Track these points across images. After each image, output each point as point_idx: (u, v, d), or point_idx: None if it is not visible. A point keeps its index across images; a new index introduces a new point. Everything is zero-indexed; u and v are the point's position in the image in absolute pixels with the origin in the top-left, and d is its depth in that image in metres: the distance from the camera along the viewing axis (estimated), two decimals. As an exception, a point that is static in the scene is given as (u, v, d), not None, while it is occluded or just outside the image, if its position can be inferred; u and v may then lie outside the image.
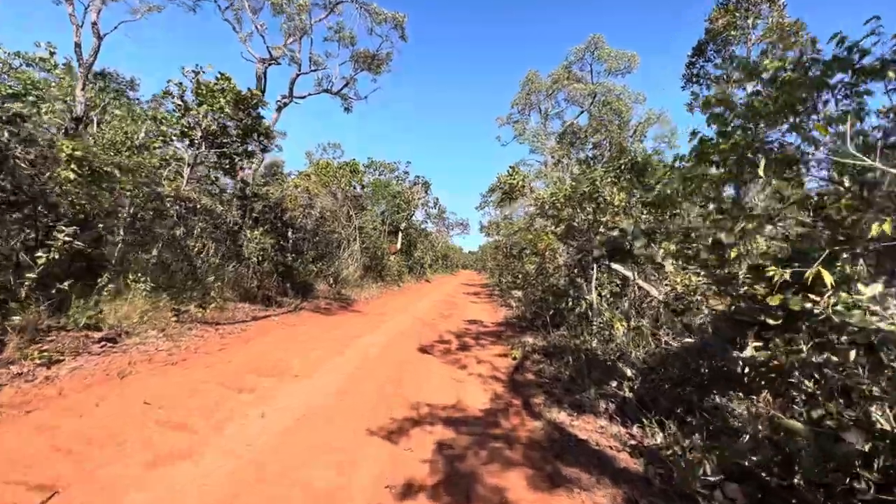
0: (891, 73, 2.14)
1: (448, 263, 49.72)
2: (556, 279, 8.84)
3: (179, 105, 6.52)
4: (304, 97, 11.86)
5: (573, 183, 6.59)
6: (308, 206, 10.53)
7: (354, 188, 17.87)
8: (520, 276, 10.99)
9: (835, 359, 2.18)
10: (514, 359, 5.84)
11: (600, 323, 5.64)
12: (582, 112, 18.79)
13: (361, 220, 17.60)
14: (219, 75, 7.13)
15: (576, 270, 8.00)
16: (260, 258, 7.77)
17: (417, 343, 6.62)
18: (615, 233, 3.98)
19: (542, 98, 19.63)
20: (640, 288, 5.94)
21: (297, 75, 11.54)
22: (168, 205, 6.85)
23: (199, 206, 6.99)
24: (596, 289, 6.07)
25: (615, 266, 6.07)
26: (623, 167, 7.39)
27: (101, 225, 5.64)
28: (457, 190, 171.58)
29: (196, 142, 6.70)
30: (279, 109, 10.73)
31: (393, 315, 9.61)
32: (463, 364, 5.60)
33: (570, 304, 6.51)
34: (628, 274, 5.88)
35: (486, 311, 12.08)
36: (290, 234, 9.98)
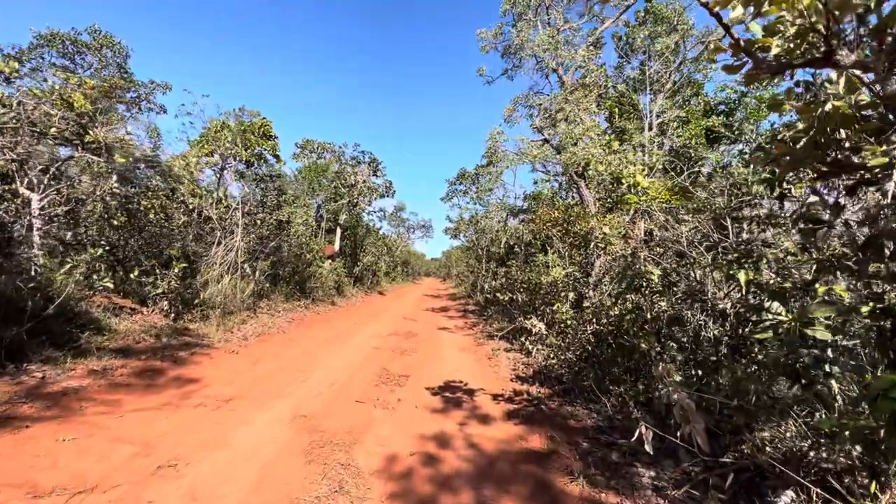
0: None
1: (409, 271, 43.93)
2: (691, 310, 3.60)
3: None
4: None
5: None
6: (81, 142, 4.76)
7: (265, 159, 11.94)
8: (554, 304, 5.57)
9: None
10: None
11: None
12: (598, 34, 11.42)
13: (286, 212, 11.71)
14: None
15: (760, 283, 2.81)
16: None
17: None
18: None
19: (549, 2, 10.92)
20: None
21: None
22: None
23: None
24: None
25: None
26: None
27: None
28: (420, 193, 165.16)
29: None
30: None
31: (261, 403, 3.98)
32: None
33: None
34: None
35: (469, 352, 6.70)
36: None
